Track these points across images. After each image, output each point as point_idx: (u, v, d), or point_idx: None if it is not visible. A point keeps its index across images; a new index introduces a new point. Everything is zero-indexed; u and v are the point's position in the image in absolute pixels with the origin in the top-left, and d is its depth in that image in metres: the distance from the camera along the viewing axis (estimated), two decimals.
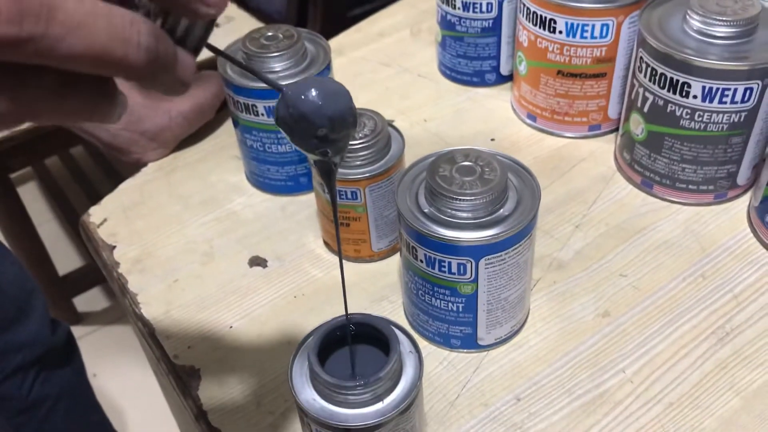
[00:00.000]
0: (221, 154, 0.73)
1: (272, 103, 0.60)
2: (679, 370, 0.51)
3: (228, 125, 0.75)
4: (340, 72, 0.80)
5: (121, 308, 1.81)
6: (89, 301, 1.84)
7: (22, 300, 1.04)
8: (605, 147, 0.69)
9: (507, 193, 0.48)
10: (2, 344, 1.01)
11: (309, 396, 0.41)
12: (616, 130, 0.69)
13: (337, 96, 0.36)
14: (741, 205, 0.62)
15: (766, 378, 0.50)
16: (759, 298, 0.55)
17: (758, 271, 0.57)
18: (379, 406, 0.40)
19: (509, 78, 0.77)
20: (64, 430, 1.14)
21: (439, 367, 0.52)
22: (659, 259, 0.58)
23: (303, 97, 0.35)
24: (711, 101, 0.56)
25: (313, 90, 0.35)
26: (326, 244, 0.62)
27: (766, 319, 0.53)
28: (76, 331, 1.82)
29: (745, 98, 0.55)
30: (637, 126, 0.62)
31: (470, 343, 0.52)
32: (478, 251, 0.46)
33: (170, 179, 0.71)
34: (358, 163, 0.54)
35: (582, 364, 0.51)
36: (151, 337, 0.56)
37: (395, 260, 0.60)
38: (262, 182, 0.67)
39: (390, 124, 0.57)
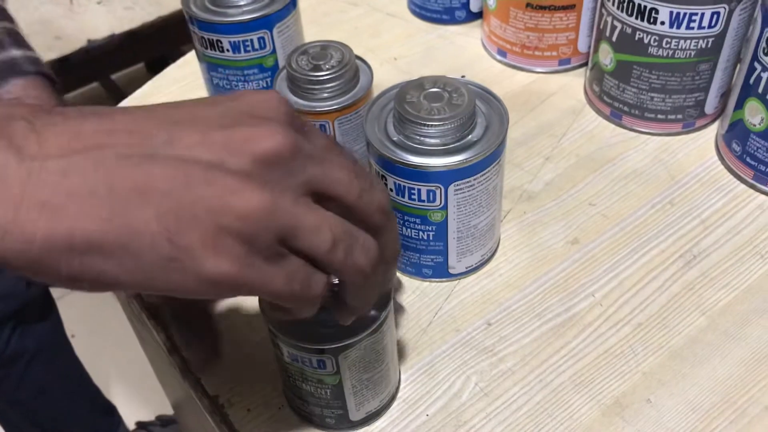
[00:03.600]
0: (189, 96, 0.72)
1: (238, 38, 0.59)
2: (648, 293, 0.51)
3: (194, 66, 0.74)
4: (308, 12, 0.79)
5: None
6: None
7: None
8: (575, 81, 0.69)
9: (475, 119, 0.48)
10: None
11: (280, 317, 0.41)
12: (586, 64, 0.69)
13: None
14: (709, 134, 0.63)
15: (731, 297, 0.51)
16: (726, 223, 0.55)
17: (725, 197, 0.57)
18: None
19: (479, 15, 0.76)
20: (43, 384, 1.14)
21: (412, 296, 0.52)
22: (628, 187, 0.59)
23: None
24: (678, 27, 0.56)
25: None
26: None
27: (733, 242, 0.54)
28: (53, 292, 1.82)
29: (713, 23, 0.55)
30: (606, 56, 0.61)
31: (442, 272, 0.52)
32: (447, 177, 0.46)
33: None
34: (326, 95, 0.54)
35: (552, 289, 0.52)
36: None
37: None
38: None
39: (358, 57, 0.56)
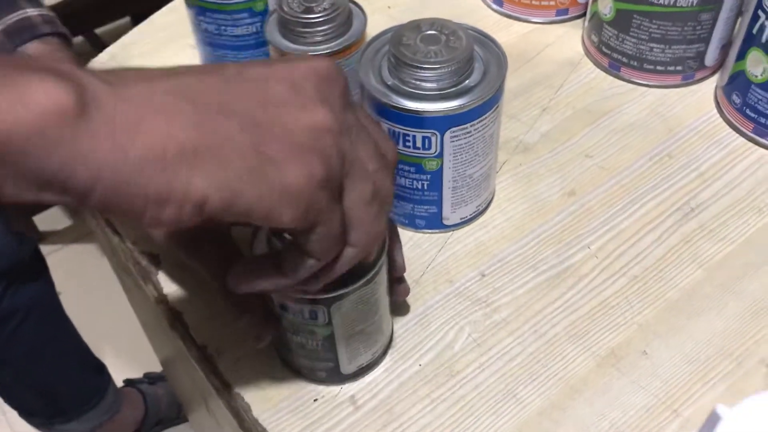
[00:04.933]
0: (176, 44, 0.70)
1: None
2: (644, 245, 0.51)
3: (181, 13, 0.72)
4: None
5: (83, 226, 1.78)
6: (50, 220, 1.81)
7: None
8: (572, 32, 0.68)
9: (473, 64, 0.46)
10: None
11: None
12: (584, 15, 0.67)
13: None
14: (708, 87, 0.62)
15: (728, 250, 0.50)
16: (724, 176, 0.55)
17: (724, 149, 0.56)
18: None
19: None
20: (34, 343, 1.13)
21: (405, 247, 0.51)
22: (625, 140, 0.58)
23: None
24: None
25: None
26: None
27: (731, 195, 0.53)
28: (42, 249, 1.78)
29: None
30: (606, 5, 0.60)
31: (435, 223, 0.51)
32: (443, 123, 0.45)
33: None
34: (319, 38, 0.52)
35: (547, 240, 0.51)
36: (110, 226, 0.55)
37: None
38: None
39: (351, 0, 0.54)
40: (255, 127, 0.29)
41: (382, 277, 0.42)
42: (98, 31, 1.89)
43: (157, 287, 0.50)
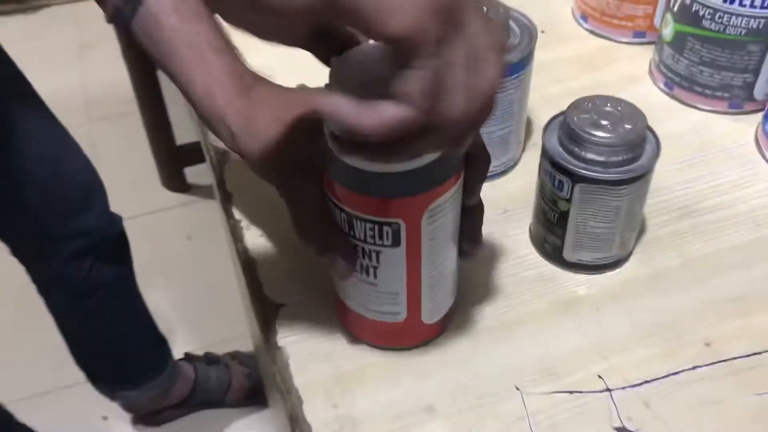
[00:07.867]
0: None
1: None
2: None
3: None
4: None
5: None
6: (199, 174, 1.94)
7: (89, 189, 1.10)
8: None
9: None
10: (70, 228, 1.08)
11: None
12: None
13: None
14: (754, 119, 0.65)
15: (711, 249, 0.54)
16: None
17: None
18: None
19: None
20: (111, 316, 1.22)
21: None
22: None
23: None
24: None
25: None
26: None
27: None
28: (181, 198, 1.89)
29: None
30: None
31: None
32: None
33: None
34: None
35: None
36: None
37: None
38: None
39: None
40: None
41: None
42: None
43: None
